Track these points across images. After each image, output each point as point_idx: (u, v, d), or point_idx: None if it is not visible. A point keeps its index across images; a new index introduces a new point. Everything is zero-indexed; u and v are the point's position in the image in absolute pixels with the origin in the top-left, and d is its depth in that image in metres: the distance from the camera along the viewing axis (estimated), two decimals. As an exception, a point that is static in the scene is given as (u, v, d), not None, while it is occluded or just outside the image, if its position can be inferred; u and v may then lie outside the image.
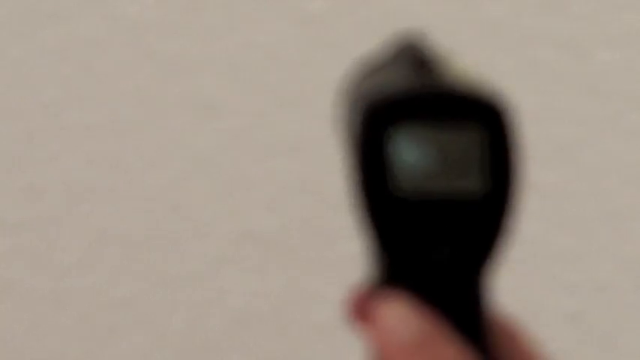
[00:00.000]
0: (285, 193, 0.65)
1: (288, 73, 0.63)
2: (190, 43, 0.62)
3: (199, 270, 0.66)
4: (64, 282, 0.63)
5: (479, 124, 0.29)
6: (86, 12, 0.60)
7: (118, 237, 0.64)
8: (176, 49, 0.61)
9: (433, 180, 0.30)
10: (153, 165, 0.62)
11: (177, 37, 0.61)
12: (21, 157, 0.61)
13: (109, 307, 0.64)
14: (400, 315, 0.30)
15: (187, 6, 0.61)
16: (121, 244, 0.64)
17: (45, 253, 0.64)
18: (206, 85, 0.62)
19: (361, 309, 0.31)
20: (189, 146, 0.62)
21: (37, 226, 0.64)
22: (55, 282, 0.63)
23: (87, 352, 0.63)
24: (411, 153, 0.30)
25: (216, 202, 0.64)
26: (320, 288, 0.67)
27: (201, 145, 0.63)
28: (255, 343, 0.66)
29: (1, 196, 0.62)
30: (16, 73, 0.60)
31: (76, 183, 0.61)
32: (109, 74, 0.60)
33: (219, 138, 0.63)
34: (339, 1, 0.64)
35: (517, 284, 0.64)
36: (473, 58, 0.64)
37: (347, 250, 0.67)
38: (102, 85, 0.61)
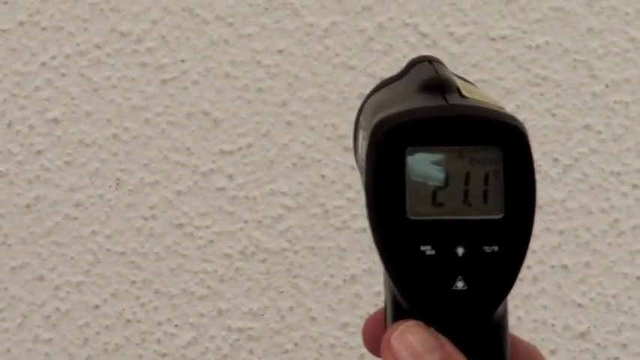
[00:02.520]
0: (291, 210, 0.62)
1: (295, 88, 0.62)
2: (199, 62, 0.61)
3: (204, 288, 0.62)
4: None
5: (496, 147, 0.29)
6: (92, 27, 0.60)
7: (121, 253, 0.62)
8: (184, 67, 0.61)
9: (446, 204, 0.30)
10: (159, 180, 0.61)
11: (185, 56, 0.61)
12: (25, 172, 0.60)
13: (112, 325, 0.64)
14: (420, 340, 0.29)
15: (197, 25, 0.61)
16: (126, 259, 0.62)
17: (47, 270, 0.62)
18: (210, 100, 0.62)
19: (377, 335, 0.31)
20: (197, 162, 0.62)
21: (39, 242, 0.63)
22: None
23: None
24: (425, 176, 0.30)
25: (222, 218, 0.62)
26: (328, 311, 0.63)
27: (208, 162, 0.61)
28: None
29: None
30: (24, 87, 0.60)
31: (78, 196, 0.62)
32: (117, 90, 0.60)
33: (225, 155, 0.61)
34: (351, 17, 0.61)
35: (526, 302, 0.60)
36: (501, 85, 0.61)
37: (351, 270, 0.63)
38: (109, 100, 0.60)
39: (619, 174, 0.60)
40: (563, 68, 0.60)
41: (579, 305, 0.61)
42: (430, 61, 0.32)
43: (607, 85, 0.60)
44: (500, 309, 0.30)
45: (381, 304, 0.62)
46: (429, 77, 0.31)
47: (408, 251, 0.29)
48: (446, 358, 0.29)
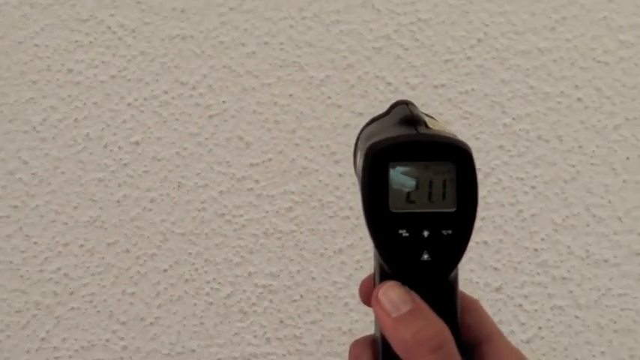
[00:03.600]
0: (298, 204, 0.73)
1: (301, 120, 0.72)
2: (235, 102, 0.71)
3: (222, 271, 0.72)
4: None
5: (450, 162, 0.35)
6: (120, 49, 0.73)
7: (182, 234, 0.72)
8: (225, 106, 0.71)
9: (419, 203, 0.35)
10: (207, 184, 0.71)
11: (225, 98, 0.71)
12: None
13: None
14: (397, 294, 0.36)
15: (233, 77, 0.71)
16: (185, 238, 0.72)
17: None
18: (243, 129, 0.72)
19: (368, 292, 0.37)
20: (233, 171, 0.72)
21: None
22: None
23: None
24: (402, 182, 0.35)
25: (251, 210, 0.72)
26: (324, 273, 0.73)
27: (241, 171, 0.72)
28: (277, 309, 0.72)
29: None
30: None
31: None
32: (179, 122, 0.71)
33: (253, 166, 0.72)
34: (339, 71, 0.72)
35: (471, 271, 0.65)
36: (442, 118, 0.77)
37: (339, 245, 0.73)
38: (173, 129, 0.71)
39: (522, 179, 0.72)
40: (484, 107, 0.72)
41: (495, 269, 0.73)
42: (406, 103, 0.40)
43: (514, 118, 0.72)
44: (453, 273, 0.37)
45: (360, 269, 0.75)
46: (404, 115, 0.38)
47: (390, 234, 0.35)
48: (415, 307, 0.36)
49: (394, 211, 0.35)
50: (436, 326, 0.35)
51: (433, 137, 0.35)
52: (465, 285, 0.72)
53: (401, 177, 0.35)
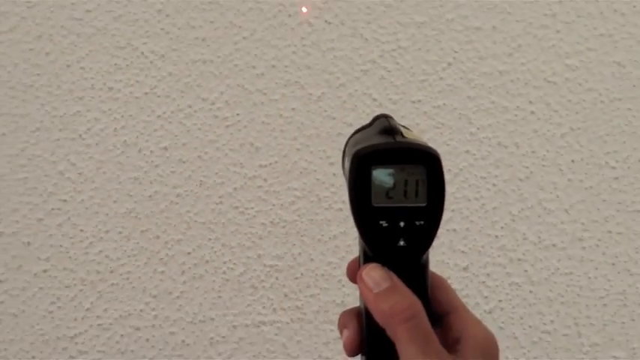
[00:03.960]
0: (299, 198, 0.79)
1: (302, 130, 0.78)
2: (247, 115, 0.77)
3: (237, 253, 0.79)
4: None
5: (422, 165, 0.36)
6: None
7: (202, 222, 0.78)
8: (239, 118, 0.77)
9: (396, 198, 0.37)
10: (224, 182, 0.77)
11: (239, 111, 0.77)
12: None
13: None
14: (378, 275, 0.38)
15: (246, 94, 0.77)
16: (205, 226, 0.77)
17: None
18: (253, 137, 0.78)
19: (354, 272, 0.40)
20: (246, 172, 0.78)
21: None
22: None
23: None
24: (383, 183, 0.37)
25: (260, 203, 0.79)
26: (321, 255, 0.80)
27: (252, 171, 0.78)
28: (282, 285, 0.79)
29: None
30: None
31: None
32: (200, 131, 0.77)
33: (262, 167, 0.78)
34: (333, 89, 0.78)
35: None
36: (419, 128, 0.78)
37: (333, 232, 0.80)
38: (195, 137, 0.77)
39: (485, 178, 0.79)
40: (453, 118, 0.78)
41: (462, 252, 0.79)
42: (386, 117, 0.42)
43: (478, 128, 0.78)
44: (424, 256, 0.39)
45: (351, 252, 0.81)
46: (384, 126, 0.40)
47: (372, 224, 0.37)
48: (392, 285, 0.38)
49: (375, 205, 0.37)
50: (409, 300, 0.37)
51: (407, 144, 0.37)
52: (437, 265, 0.80)
53: (381, 177, 0.37)
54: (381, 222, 0.37)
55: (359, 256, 0.40)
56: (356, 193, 0.37)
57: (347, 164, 0.39)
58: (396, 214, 0.37)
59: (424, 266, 0.39)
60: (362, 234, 0.37)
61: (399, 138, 0.38)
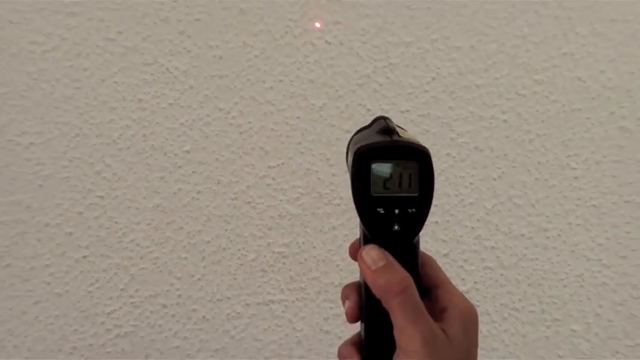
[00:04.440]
0: (303, 194, 0.84)
1: (305, 135, 0.83)
2: (258, 123, 0.83)
3: (250, 242, 0.84)
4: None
5: (414, 161, 0.38)
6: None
7: (220, 215, 0.83)
8: (251, 125, 0.82)
9: (392, 189, 0.38)
10: (238, 180, 0.82)
11: (251, 120, 0.82)
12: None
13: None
14: (376, 254, 0.40)
15: (257, 104, 0.81)
16: (222, 219, 0.82)
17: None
18: (263, 141, 0.84)
19: (356, 251, 0.42)
20: (257, 172, 0.83)
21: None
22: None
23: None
24: (381, 175, 0.38)
25: (269, 199, 0.84)
26: (321, 243, 0.85)
27: (262, 171, 0.83)
28: (288, 269, 0.85)
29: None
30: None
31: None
32: (218, 136, 0.82)
33: (271, 168, 0.83)
34: (333, 100, 0.82)
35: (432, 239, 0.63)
36: (410, 129, 0.82)
37: (333, 224, 0.85)
38: (213, 142, 0.81)
39: (463, 177, 0.85)
40: (436, 126, 0.84)
41: (444, 240, 0.85)
42: (384, 118, 0.43)
43: (458, 134, 0.84)
44: (415, 239, 0.40)
45: (347, 241, 0.88)
46: (382, 127, 0.42)
47: (371, 211, 0.39)
48: (388, 263, 0.40)
49: (374, 194, 0.38)
50: (402, 276, 0.39)
51: (403, 143, 0.39)
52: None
53: (379, 170, 0.38)
54: (378, 209, 0.39)
55: (359, 238, 0.42)
56: (357, 184, 0.39)
57: (350, 159, 0.41)
58: (392, 202, 0.38)
59: (415, 247, 0.41)
60: (362, 219, 0.39)
61: (395, 137, 0.39)
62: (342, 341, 0.44)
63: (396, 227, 0.39)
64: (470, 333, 0.42)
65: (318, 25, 0.82)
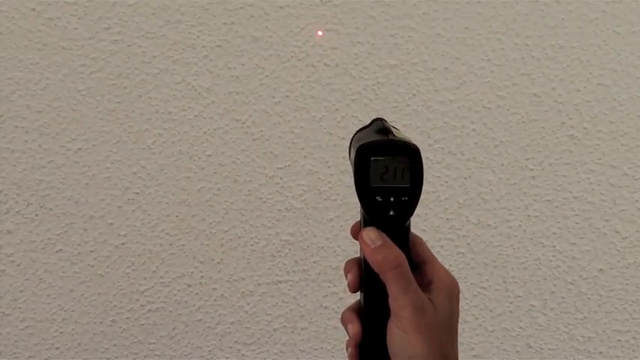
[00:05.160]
0: (305, 191, 0.95)
1: (308, 142, 0.95)
2: (269, 131, 0.94)
3: (261, 231, 0.95)
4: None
5: (408, 158, 0.42)
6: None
7: (237, 209, 0.93)
8: (263, 133, 0.94)
9: (388, 180, 0.42)
10: (252, 180, 0.94)
11: (262, 129, 0.93)
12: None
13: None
14: (374, 235, 0.44)
15: (268, 115, 0.92)
16: (238, 212, 0.93)
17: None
18: (273, 147, 0.95)
19: (356, 232, 0.46)
20: (267, 172, 0.94)
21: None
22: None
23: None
24: (379, 168, 0.42)
25: (277, 195, 0.95)
26: (321, 232, 0.95)
27: (272, 172, 0.94)
28: (293, 254, 0.97)
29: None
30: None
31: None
32: (235, 142, 0.91)
33: (279, 169, 0.93)
34: (330, 112, 0.93)
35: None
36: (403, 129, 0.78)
37: (331, 216, 0.95)
38: (231, 147, 0.91)
39: (439, 177, 0.96)
40: (417, 134, 0.94)
41: (423, 230, 0.96)
42: (381, 120, 0.47)
43: (435, 141, 0.95)
44: (407, 222, 0.44)
45: (344, 230, 1.04)
46: (379, 127, 0.46)
47: (370, 198, 0.43)
48: (384, 242, 0.43)
49: (373, 185, 0.42)
50: (396, 253, 0.43)
51: (397, 141, 0.42)
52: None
53: (377, 165, 0.41)
54: (376, 197, 0.42)
55: (359, 221, 0.46)
56: (359, 176, 0.42)
57: (352, 154, 0.44)
58: (388, 191, 0.42)
59: (407, 229, 0.45)
60: (362, 205, 0.43)
61: (391, 136, 0.43)
62: (338, 315, 0.47)
63: (391, 212, 0.43)
64: (453, 302, 0.45)
65: (320, 33, 0.94)
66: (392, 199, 0.42)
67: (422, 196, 0.46)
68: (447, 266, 0.58)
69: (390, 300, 0.42)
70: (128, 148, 0.96)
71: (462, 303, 0.92)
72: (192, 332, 1.01)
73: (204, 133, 0.96)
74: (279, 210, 0.98)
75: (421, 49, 0.98)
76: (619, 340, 1.05)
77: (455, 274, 0.71)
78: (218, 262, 0.98)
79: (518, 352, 1.03)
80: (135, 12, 0.95)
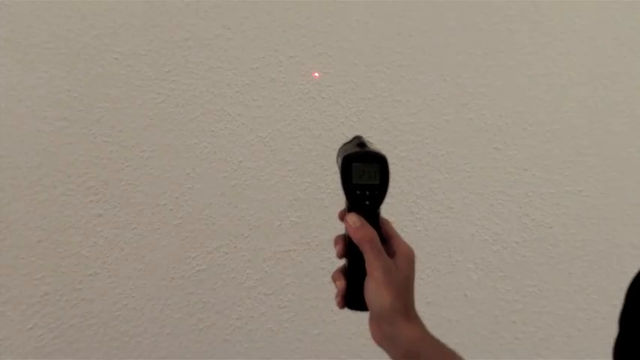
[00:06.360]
0: (307, 190, 1.28)
1: (309, 152, 1.26)
2: (280, 144, 1.33)
3: (277, 214, 1.29)
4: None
5: (378, 164, 0.57)
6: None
7: (251, 208, 1.42)
8: (275, 146, 1.34)
9: (364, 179, 0.56)
10: (263, 182, 1.28)
11: (276, 142, 1.30)
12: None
13: None
14: (355, 218, 0.58)
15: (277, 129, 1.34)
16: (251, 209, 1.36)
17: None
18: (285, 156, 1.34)
19: (342, 216, 0.61)
20: (276, 173, 1.26)
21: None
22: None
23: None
24: (358, 171, 0.57)
25: (287, 189, 1.28)
26: (319, 216, 1.27)
27: (284, 173, 1.27)
28: (299, 235, 1.31)
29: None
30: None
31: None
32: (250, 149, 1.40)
33: (289, 171, 1.25)
34: (326, 131, 1.25)
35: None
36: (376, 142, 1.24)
37: (329, 212, 1.28)
38: (248, 157, 1.32)
39: (402, 177, 1.31)
40: (388, 147, 1.29)
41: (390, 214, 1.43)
42: (360, 137, 0.61)
43: (400, 150, 1.31)
44: (378, 210, 0.57)
45: (335, 214, 1.46)
46: (359, 142, 0.59)
47: (352, 193, 0.56)
48: (362, 224, 0.56)
49: (354, 182, 0.54)
50: (370, 231, 0.55)
51: (371, 151, 0.55)
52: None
53: (357, 168, 0.54)
54: (357, 191, 0.53)
55: (345, 208, 0.58)
56: (344, 176, 0.54)
57: (339, 161, 0.55)
58: (365, 187, 0.53)
59: (378, 214, 0.57)
60: (346, 197, 0.54)
61: (366, 148, 0.55)
62: (330, 274, 0.60)
63: (367, 202, 0.55)
64: (411, 266, 0.56)
65: (317, 74, 1.36)
66: (367, 192, 0.55)
67: (389, 191, 0.58)
68: (407, 240, 0.70)
69: (366, 264, 0.55)
70: (183, 156, 1.26)
71: (417, 266, 1.23)
72: (228, 286, 1.30)
73: (237, 145, 1.29)
74: (290, 199, 1.29)
75: (390, 87, 1.35)
76: (529, 291, 1.42)
77: (413, 245, 0.81)
78: (246, 237, 1.29)
79: (457, 300, 1.40)
80: (187, 60, 1.29)
